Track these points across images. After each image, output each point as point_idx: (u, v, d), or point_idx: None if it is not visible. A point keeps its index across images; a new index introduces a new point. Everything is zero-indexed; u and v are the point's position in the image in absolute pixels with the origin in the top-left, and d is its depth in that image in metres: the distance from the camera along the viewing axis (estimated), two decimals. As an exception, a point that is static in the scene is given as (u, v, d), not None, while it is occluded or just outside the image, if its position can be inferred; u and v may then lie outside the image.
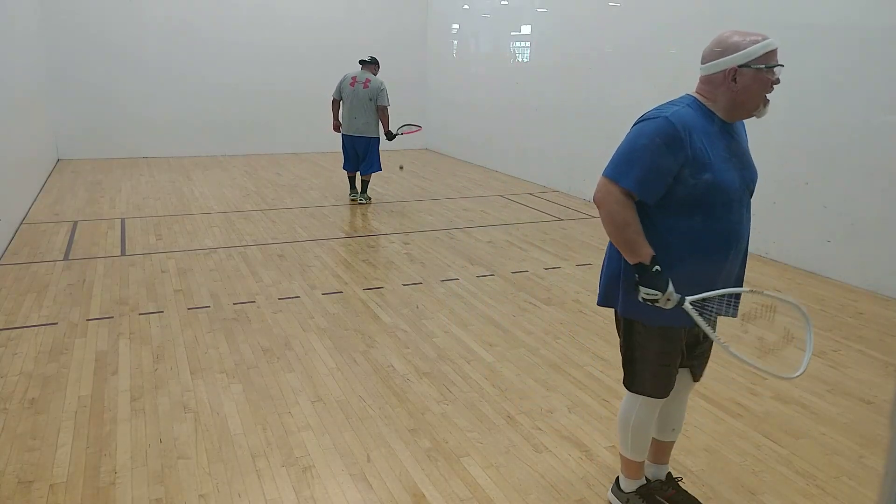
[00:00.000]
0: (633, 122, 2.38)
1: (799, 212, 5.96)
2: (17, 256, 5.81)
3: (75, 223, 6.97)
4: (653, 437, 2.67)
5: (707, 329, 2.25)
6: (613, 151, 2.33)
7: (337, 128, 8.06)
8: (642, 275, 2.22)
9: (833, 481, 2.94)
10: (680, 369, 2.55)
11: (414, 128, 8.26)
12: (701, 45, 2.49)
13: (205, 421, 3.28)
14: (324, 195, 8.66)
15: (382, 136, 8.00)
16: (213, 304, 4.80)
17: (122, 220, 7.12)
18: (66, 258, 5.81)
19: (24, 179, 7.67)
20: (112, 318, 4.53)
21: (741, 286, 2.40)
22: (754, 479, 2.94)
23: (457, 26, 12.15)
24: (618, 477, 2.73)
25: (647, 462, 2.73)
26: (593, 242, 6.70)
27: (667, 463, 2.76)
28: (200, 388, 3.59)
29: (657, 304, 2.22)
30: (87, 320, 4.48)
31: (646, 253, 2.21)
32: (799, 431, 3.33)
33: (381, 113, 7.82)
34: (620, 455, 2.66)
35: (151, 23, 11.00)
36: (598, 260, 6.07)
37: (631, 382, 2.54)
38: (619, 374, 3.83)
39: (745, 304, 2.38)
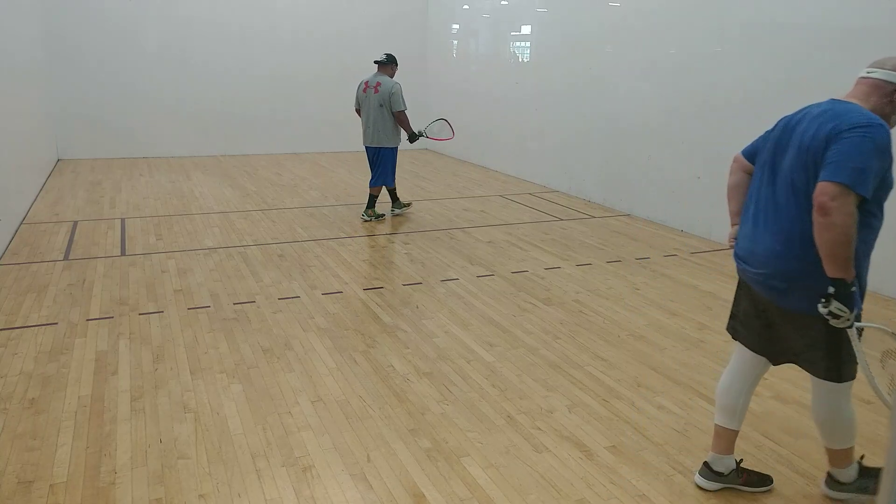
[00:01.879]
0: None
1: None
2: (17, 256, 5.81)
3: (75, 223, 6.97)
4: (729, 429, 2.81)
5: (861, 354, 2.32)
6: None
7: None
8: (841, 290, 2.26)
9: (833, 481, 2.94)
10: (758, 356, 2.71)
11: (445, 134, 7.47)
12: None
13: (205, 421, 3.28)
14: (324, 195, 8.66)
15: (404, 141, 7.38)
16: (213, 304, 4.80)
17: (122, 220, 7.12)
18: (66, 258, 5.81)
19: (24, 179, 7.67)
20: (112, 318, 4.53)
21: None
22: (754, 479, 2.93)
23: (457, 26, 12.16)
24: (829, 474, 2.77)
25: (715, 455, 2.84)
26: (593, 242, 6.70)
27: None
28: (200, 388, 3.59)
29: (837, 322, 2.28)
30: (87, 320, 4.48)
31: (853, 270, 2.28)
32: (799, 431, 3.33)
33: (399, 118, 7.16)
34: (831, 451, 2.68)
35: (151, 23, 11.01)
36: (598, 260, 6.11)
37: (843, 373, 2.53)
38: (619, 373, 3.86)
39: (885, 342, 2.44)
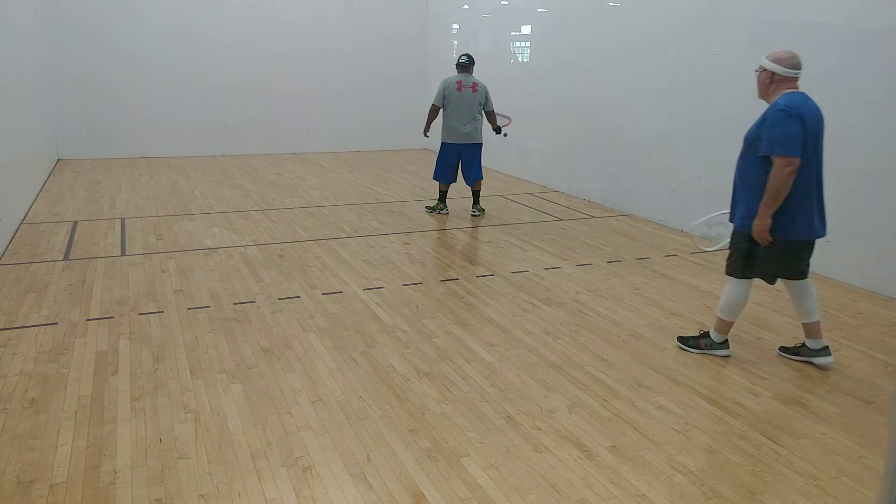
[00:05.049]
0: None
1: (799, 212, 5.95)
2: (17, 256, 5.81)
3: (75, 223, 6.97)
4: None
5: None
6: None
7: (427, 132, 7.76)
8: None
9: (833, 481, 2.94)
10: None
11: (506, 119, 8.00)
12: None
13: (205, 421, 3.28)
14: (324, 195, 8.66)
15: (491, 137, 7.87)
16: (213, 304, 4.80)
17: (122, 221, 7.12)
18: (66, 258, 5.81)
19: (24, 179, 7.67)
20: (112, 318, 4.53)
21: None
22: (754, 479, 2.94)
23: (457, 26, 12.15)
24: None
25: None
26: (593, 242, 6.70)
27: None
28: (200, 388, 3.59)
29: None
30: (87, 320, 4.48)
31: None
32: (799, 431, 3.34)
33: (491, 116, 7.62)
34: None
35: (152, 23, 11.01)
36: (598, 260, 6.11)
37: None
38: (619, 373, 3.87)
39: None
